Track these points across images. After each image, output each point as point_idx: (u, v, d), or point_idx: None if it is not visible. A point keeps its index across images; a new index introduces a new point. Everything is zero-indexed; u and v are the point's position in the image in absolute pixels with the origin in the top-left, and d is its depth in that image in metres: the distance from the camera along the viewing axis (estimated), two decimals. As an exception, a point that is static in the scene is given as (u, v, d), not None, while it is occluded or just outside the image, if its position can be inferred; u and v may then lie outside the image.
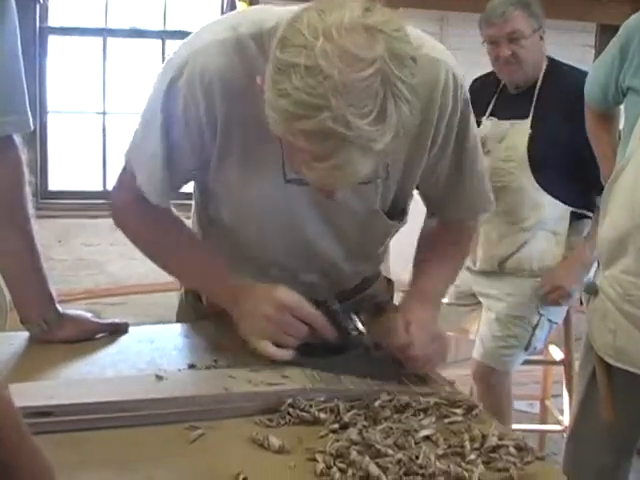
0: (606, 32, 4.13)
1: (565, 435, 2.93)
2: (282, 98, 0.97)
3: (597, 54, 4.17)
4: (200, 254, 1.42)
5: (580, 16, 3.90)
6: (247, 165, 1.30)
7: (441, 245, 1.48)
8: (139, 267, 3.78)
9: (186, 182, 1.41)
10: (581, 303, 2.30)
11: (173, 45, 3.77)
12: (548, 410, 3.25)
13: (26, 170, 1.40)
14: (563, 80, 2.53)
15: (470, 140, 1.38)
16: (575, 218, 2.62)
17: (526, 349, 2.66)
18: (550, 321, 2.67)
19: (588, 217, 2.63)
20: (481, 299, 2.73)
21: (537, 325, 2.62)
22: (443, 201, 1.46)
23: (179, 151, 1.29)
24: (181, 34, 3.78)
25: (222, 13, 3.78)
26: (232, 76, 1.21)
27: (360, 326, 1.41)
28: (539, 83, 2.55)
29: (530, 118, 2.53)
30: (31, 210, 1.41)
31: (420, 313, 1.34)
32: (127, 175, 1.37)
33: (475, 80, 2.58)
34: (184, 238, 1.44)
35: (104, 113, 4.02)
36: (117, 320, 1.49)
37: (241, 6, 3.47)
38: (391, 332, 1.31)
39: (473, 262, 2.66)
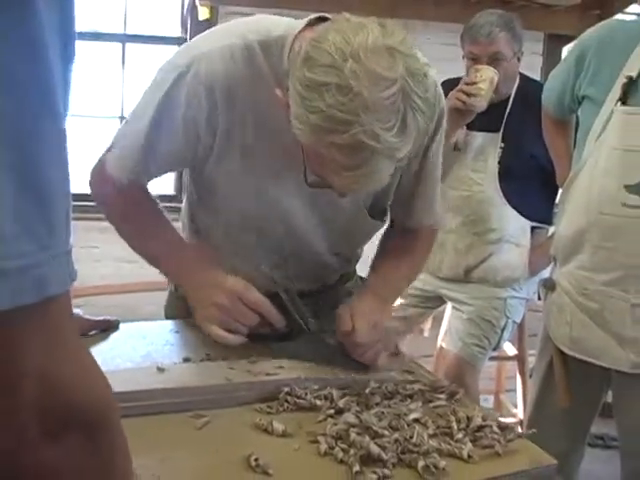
0: (554, 40, 4.28)
1: (519, 427, 3.07)
2: (314, 114, 1.06)
3: (545, 61, 4.32)
4: (166, 236, 1.47)
5: (529, 25, 4.02)
6: (250, 165, 1.37)
7: (397, 251, 1.55)
8: (100, 268, 3.80)
9: (159, 173, 1.46)
10: (539, 298, 2.42)
11: (133, 49, 3.79)
12: (502, 404, 3.37)
13: None
14: (534, 96, 2.62)
15: (434, 151, 1.47)
16: (534, 228, 2.72)
17: (494, 349, 2.78)
18: (514, 322, 2.78)
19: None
20: (449, 301, 2.82)
21: (505, 327, 2.72)
22: (404, 208, 1.54)
23: (167, 140, 1.35)
24: (141, 38, 3.80)
25: (182, 17, 3.82)
26: (237, 81, 1.29)
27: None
28: (511, 98, 2.64)
29: (501, 132, 2.62)
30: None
31: (366, 304, 1.42)
32: (106, 156, 1.43)
33: (444, 82, 2.65)
34: (156, 222, 1.49)
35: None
36: (109, 317, 1.53)
37: (203, 12, 3.52)
38: (337, 320, 1.39)
39: (438, 269, 2.73)
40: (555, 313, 2.02)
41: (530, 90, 2.62)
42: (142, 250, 1.49)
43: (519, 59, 2.63)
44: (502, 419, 3.18)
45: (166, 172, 1.49)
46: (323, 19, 1.26)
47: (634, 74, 1.82)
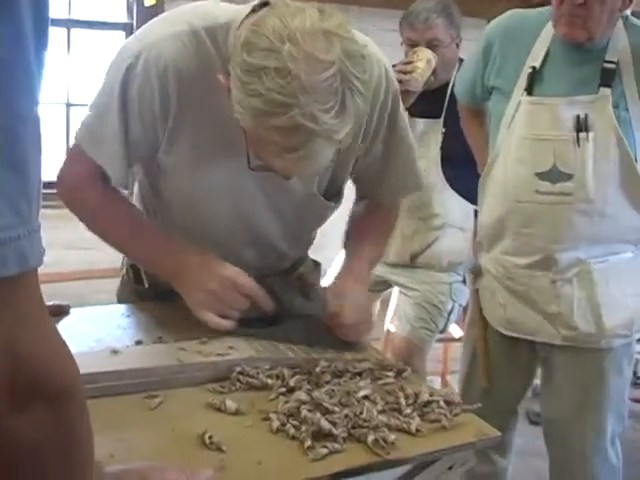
0: (495, 28, 4.36)
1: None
2: (254, 97, 1.08)
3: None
4: (150, 229, 1.50)
5: (471, 12, 4.08)
6: (200, 151, 1.39)
7: (368, 226, 1.61)
8: (48, 255, 3.75)
9: (137, 163, 1.48)
10: (464, 282, 2.50)
11: (78, 34, 3.74)
12: (449, 384, 3.45)
13: None
14: None
15: (399, 130, 1.52)
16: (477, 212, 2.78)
17: (441, 332, 2.84)
18: (460, 305, 2.84)
19: None
20: (396, 286, 2.86)
21: (451, 311, 2.78)
22: (374, 184, 1.59)
23: (136, 134, 1.37)
24: (86, 24, 3.76)
25: (128, 3, 3.78)
26: (186, 65, 1.31)
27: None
28: (451, 84, 2.65)
29: (443, 117, 2.66)
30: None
31: (349, 287, 1.47)
32: (77, 155, 1.44)
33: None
34: (134, 214, 1.52)
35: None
36: (60, 302, 1.53)
37: (148, -1, 3.50)
38: (323, 303, 1.43)
39: (386, 255, 2.76)
40: (488, 297, 2.10)
41: None
42: (127, 248, 1.52)
43: (458, 45, 2.68)
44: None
45: (143, 163, 1.49)
46: (266, 5, 1.27)
47: (537, 64, 1.89)
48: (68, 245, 3.44)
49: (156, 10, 3.51)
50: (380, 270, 2.79)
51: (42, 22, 0.54)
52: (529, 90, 1.90)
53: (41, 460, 0.57)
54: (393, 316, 2.86)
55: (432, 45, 2.57)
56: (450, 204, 2.70)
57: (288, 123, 1.07)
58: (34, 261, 0.53)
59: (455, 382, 3.39)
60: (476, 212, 2.73)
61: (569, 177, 1.85)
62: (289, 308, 1.47)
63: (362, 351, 1.42)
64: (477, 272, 2.12)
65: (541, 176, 1.87)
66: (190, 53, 1.31)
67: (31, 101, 0.54)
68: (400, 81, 2.48)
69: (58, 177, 1.48)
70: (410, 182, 1.64)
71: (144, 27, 1.41)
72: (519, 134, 1.90)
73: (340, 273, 1.53)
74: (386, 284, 2.86)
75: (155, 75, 1.30)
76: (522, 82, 1.91)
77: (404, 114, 1.54)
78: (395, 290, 2.91)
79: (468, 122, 2.35)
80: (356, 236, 1.60)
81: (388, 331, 2.96)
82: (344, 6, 3.73)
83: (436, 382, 3.59)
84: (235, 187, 1.43)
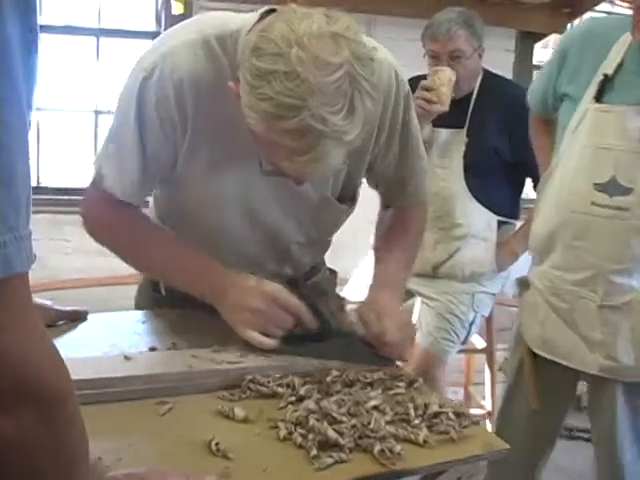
0: (526, 37, 4.33)
1: (487, 419, 3.13)
2: (264, 101, 1.09)
3: (517, 58, 4.38)
4: (181, 249, 1.46)
5: (501, 22, 4.07)
6: (216, 158, 1.40)
7: (396, 234, 1.62)
8: (72, 262, 3.80)
9: (154, 186, 1.50)
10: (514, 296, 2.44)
11: (107, 43, 3.79)
12: (471, 396, 3.42)
13: None
14: (497, 92, 2.66)
15: (413, 131, 1.54)
16: (501, 224, 2.77)
17: (463, 343, 2.82)
18: (482, 316, 2.83)
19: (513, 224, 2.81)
20: (418, 296, 2.85)
21: (473, 321, 2.77)
22: (393, 189, 1.60)
23: (154, 151, 1.38)
24: (115, 32, 3.81)
25: (156, 12, 3.82)
26: (200, 74, 1.32)
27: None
28: (475, 94, 2.68)
29: (466, 128, 2.65)
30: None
31: (388, 303, 1.46)
32: (97, 184, 1.44)
33: (410, 79, 2.68)
34: (164, 237, 1.51)
35: (38, 109, 4.00)
36: (77, 307, 1.55)
37: (177, 6, 3.54)
38: (364, 323, 1.43)
39: None
40: (528, 312, 2.02)
41: (493, 85, 2.67)
42: (162, 272, 1.52)
43: (480, 55, 2.67)
44: (471, 410, 3.26)
45: (159, 181, 1.49)
46: (274, 11, 1.28)
47: (610, 72, 1.82)
48: (97, 252, 3.48)
49: (184, 18, 3.53)
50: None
51: (29, 28, 0.55)
52: (598, 97, 1.82)
53: (31, 462, 0.58)
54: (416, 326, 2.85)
55: (454, 56, 2.58)
56: (473, 214, 2.69)
57: (298, 126, 1.09)
58: (20, 267, 0.54)
59: (478, 394, 3.38)
60: (499, 222, 2.73)
61: (628, 191, 1.75)
62: (330, 323, 1.45)
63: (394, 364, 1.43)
64: (523, 284, 2.04)
65: (599, 187, 1.79)
66: (202, 62, 1.32)
67: (17, 109, 0.54)
68: (423, 108, 2.50)
69: (82, 212, 1.49)
70: (423, 187, 1.65)
71: (161, 37, 1.43)
72: (582, 142, 1.83)
73: (375, 288, 1.52)
74: (408, 294, 2.85)
75: (171, 87, 1.32)
76: (592, 89, 1.84)
77: (416, 119, 1.54)
78: (418, 300, 2.90)
79: (536, 131, 2.28)
80: (387, 247, 1.60)
81: (412, 341, 2.94)
82: (371, 16, 3.75)
83: (459, 393, 3.57)
84: (250, 193, 1.44)
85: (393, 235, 1.62)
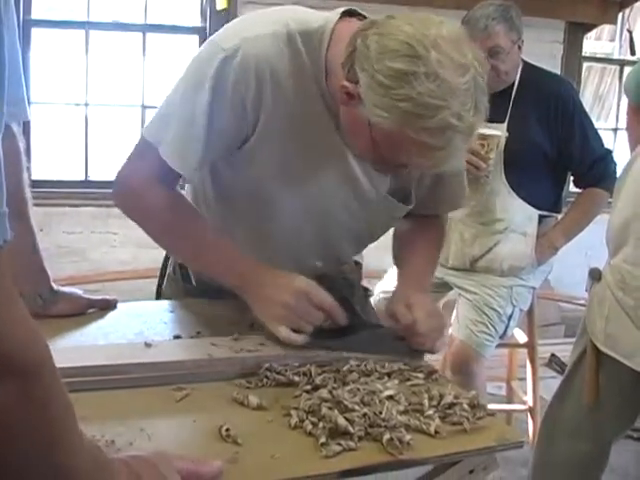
0: (574, 28, 4.27)
1: (529, 414, 3.09)
2: (403, 102, 1.15)
3: (565, 50, 4.31)
4: (217, 239, 1.45)
5: (549, 13, 4.02)
6: (285, 153, 1.40)
7: (421, 236, 1.62)
8: (120, 254, 3.88)
9: (213, 159, 1.45)
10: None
11: (154, 38, 3.86)
12: (514, 391, 3.39)
13: (24, 158, 1.47)
14: (537, 84, 2.62)
15: None
16: (543, 217, 2.73)
17: (501, 337, 2.79)
18: (521, 310, 2.80)
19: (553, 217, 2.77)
20: (456, 289, 2.84)
21: (511, 315, 2.74)
22: (426, 197, 1.58)
23: (220, 129, 1.36)
24: (162, 28, 3.87)
25: (202, 7, 3.87)
26: (281, 67, 1.34)
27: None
28: (515, 87, 2.64)
29: (507, 122, 2.61)
30: (28, 194, 1.49)
31: (417, 295, 1.46)
32: (141, 155, 1.43)
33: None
34: (202, 223, 1.48)
35: (87, 105, 4.09)
36: (107, 296, 1.59)
37: (220, 2, 3.58)
38: (394, 315, 1.43)
39: (445, 259, 2.75)
40: (595, 305, 1.97)
41: (533, 77, 2.62)
42: (192, 258, 1.51)
43: (520, 47, 2.62)
44: (512, 406, 3.23)
45: (219, 159, 1.45)
46: (353, 12, 1.37)
47: None
48: (144, 244, 3.55)
49: (228, 14, 3.59)
50: (441, 272, 2.78)
51: None
52: None
53: (10, 437, 0.60)
54: (453, 320, 2.84)
55: (493, 52, 2.51)
56: (513, 209, 2.66)
57: (439, 124, 1.15)
58: None
59: (521, 389, 3.35)
60: (540, 217, 2.70)
61: None
62: (360, 317, 1.46)
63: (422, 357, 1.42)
64: (595, 276, 1.99)
65: None
66: (286, 55, 1.34)
67: None
68: (468, 172, 2.49)
69: (117, 176, 1.46)
70: (457, 198, 1.65)
71: (240, 21, 1.44)
72: None
73: (402, 282, 1.53)
74: (447, 286, 2.84)
75: (253, 70, 1.32)
76: None
77: None
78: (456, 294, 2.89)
79: (631, 119, 2.24)
80: (409, 248, 1.61)
81: (450, 335, 2.93)
82: (414, 8, 3.73)
83: (502, 388, 3.54)
84: (315, 185, 1.44)
85: (420, 237, 1.63)
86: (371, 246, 1.67)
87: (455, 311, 2.89)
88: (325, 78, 1.36)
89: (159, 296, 1.74)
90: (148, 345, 1.30)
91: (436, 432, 1.10)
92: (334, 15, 1.36)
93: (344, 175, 1.44)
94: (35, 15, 3.99)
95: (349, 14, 1.38)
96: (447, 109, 1.14)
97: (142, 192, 1.43)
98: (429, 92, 1.13)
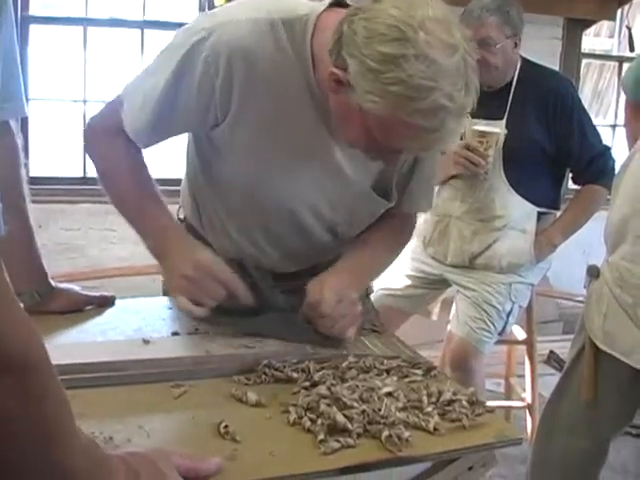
0: (573, 25, 4.26)
1: (528, 411, 3.09)
2: (394, 85, 1.14)
3: (564, 46, 4.31)
4: (156, 206, 1.46)
5: (548, 10, 4.00)
6: (260, 135, 1.39)
7: (382, 234, 1.59)
8: (118, 251, 3.88)
9: (167, 136, 1.47)
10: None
11: (152, 35, 3.85)
12: (512, 388, 3.39)
13: (22, 154, 1.47)
14: (536, 81, 2.61)
15: None
16: (542, 214, 2.72)
17: (500, 334, 2.78)
18: (520, 307, 2.80)
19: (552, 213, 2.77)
20: (455, 286, 2.82)
21: (510, 312, 2.73)
22: (399, 191, 1.56)
23: (181, 104, 1.36)
24: (160, 24, 3.86)
25: (200, 3, 3.87)
26: (259, 54, 1.32)
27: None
28: (514, 84, 2.62)
29: (505, 119, 2.60)
30: (26, 190, 1.49)
31: (335, 279, 1.43)
32: (115, 105, 1.45)
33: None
34: (146, 186, 1.48)
35: (85, 101, 4.09)
36: (105, 293, 1.59)
37: (220, -3, 3.57)
38: (304, 292, 1.41)
39: (444, 256, 2.75)
40: (593, 303, 1.96)
41: (532, 74, 2.61)
42: (124, 209, 1.50)
43: (516, 44, 2.59)
44: (510, 402, 3.23)
45: (174, 135, 1.47)
46: (341, 4, 1.35)
47: None
48: (139, 241, 3.55)
49: (226, 10, 3.58)
50: (439, 269, 2.78)
51: None
52: None
53: (7, 432, 0.60)
54: (452, 317, 2.84)
55: (483, 43, 2.48)
56: (512, 206, 2.65)
57: (431, 105, 1.14)
58: None
59: (519, 386, 3.35)
60: (539, 214, 2.69)
61: None
62: (272, 303, 1.45)
63: (339, 347, 1.39)
64: (593, 273, 1.99)
65: None
66: (265, 41, 1.32)
67: None
68: (466, 168, 2.49)
69: (91, 118, 1.51)
70: (425, 201, 1.63)
71: (220, 8, 1.44)
72: None
73: (334, 266, 1.49)
74: (445, 283, 2.83)
75: (226, 54, 1.30)
76: None
77: None
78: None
79: (629, 116, 2.24)
80: (360, 243, 1.58)
81: (449, 332, 2.93)
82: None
83: (501, 385, 3.54)
84: (295, 173, 1.44)
85: (378, 235, 1.59)
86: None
87: (454, 308, 2.89)
88: (313, 68, 1.34)
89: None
90: (146, 342, 1.30)
91: (435, 429, 1.10)
92: (320, 5, 1.34)
93: (329, 168, 1.43)
94: (33, 11, 3.98)
95: (338, 5, 1.36)
96: (438, 90, 1.13)
97: (104, 136, 1.47)
98: (419, 73, 1.12)
